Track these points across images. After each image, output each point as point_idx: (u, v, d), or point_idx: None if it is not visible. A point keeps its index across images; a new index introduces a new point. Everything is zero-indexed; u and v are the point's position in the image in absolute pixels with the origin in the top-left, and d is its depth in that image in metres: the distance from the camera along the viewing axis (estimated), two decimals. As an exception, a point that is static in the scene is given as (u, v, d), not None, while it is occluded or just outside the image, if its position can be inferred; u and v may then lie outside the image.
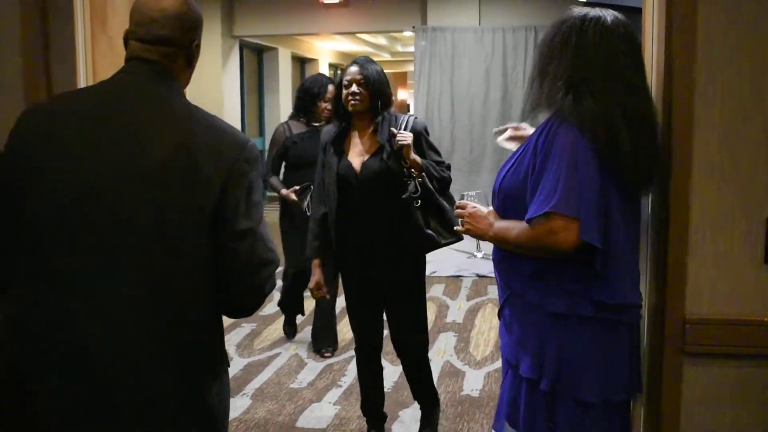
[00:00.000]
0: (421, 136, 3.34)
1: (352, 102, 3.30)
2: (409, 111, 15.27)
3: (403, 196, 3.21)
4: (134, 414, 1.59)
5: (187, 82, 1.84)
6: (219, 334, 1.76)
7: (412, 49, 11.86)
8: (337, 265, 3.51)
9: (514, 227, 2.05)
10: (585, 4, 4.07)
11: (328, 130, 3.49)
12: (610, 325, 2.07)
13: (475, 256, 2.62)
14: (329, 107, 4.50)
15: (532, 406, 2.09)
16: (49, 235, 1.61)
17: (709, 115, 2.13)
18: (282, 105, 12.87)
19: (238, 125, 11.29)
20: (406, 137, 3.20)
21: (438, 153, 3.43)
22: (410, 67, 17.48)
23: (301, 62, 14.58)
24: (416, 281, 3.48)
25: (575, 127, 1.94)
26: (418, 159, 3.22)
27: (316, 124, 4.86)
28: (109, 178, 1.60)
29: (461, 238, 3.08)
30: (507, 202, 2.11)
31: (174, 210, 1.60)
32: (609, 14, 2.09)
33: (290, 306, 5.39)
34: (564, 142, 1.94)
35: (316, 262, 3.48)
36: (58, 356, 1.58)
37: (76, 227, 1.59)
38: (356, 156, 3.35)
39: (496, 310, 2.31)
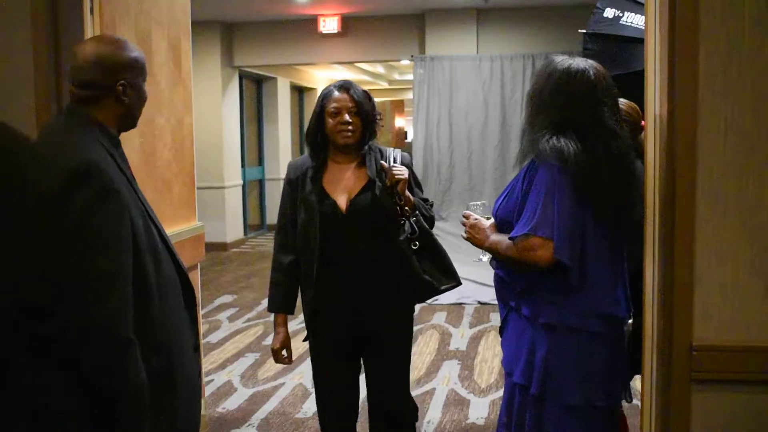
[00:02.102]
0: (408, 171, 2.95)
1: (346, 134, 2.84)
2: (406, 138, 15.32)
3: (401, 238, 2.82)
4: None
5: (124, 116, 2.02)
6: None
7: (409, 77, 11.96)
8: (311, 322, 2.96)
9: (503, 241, 2.37)
10: (585, 35, 4.14)
11: (300, 164, 2.96)
12: (592, 337, 2.30)
13: (481, 260, 2.58)
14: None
15: (523, 410, 2.34)
16: None
17: (712, 146, 2.17)
18: (281, 134, 12.94)
19: (237, 154, 11.34)
20: (402, 171, 2.83)
21: (422, 189, 3.06)
22: (408, 95, 17.60)
23: (299, 91, 14.69)
24: (406, 335, 3.01)
25: (556, 165, 2.22)
26: (411, 196, 2.87)
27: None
28: None
29: (460, 283, 2.94)
30: (502, 227, 2.43)
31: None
32: (590, 67, 2.37)
33: None
34: (544, 177, 2.25)
35: (280, 318, 3.00)
36: None
37: None
38: (340, 193, 2.88)
39: (500, 338, 2.56)
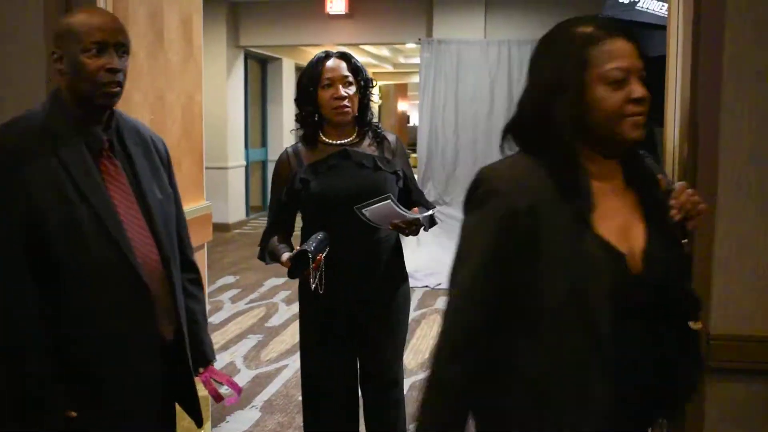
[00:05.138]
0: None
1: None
2: (408, 123, 15.26)
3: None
4: None
5: (70, 90, 1.91)
6: None
7: (414, 60, 11.90)
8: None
9: None
10: (599, 19, 4.08)
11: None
12: None
13: None
14: (339, 94, 2.68)
15: None
16: None
17: (735, 133, 2.14)
18: (285, 116, 12.87)
19: (241, 135, 11.29)
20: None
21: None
22: (412, 79, 17.50)
23: (303, 73, 14.60)
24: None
25: None
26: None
27: (342, 142, 2.77)
28: None
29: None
30: None
31: None
32: None
33: None
34: None
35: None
36: None
37: None
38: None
39: None
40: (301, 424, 4.01)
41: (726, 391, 2.20)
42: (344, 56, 2.74)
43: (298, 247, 2.53)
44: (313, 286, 2.56)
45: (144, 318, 1.94)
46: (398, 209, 2.50)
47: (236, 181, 11.17)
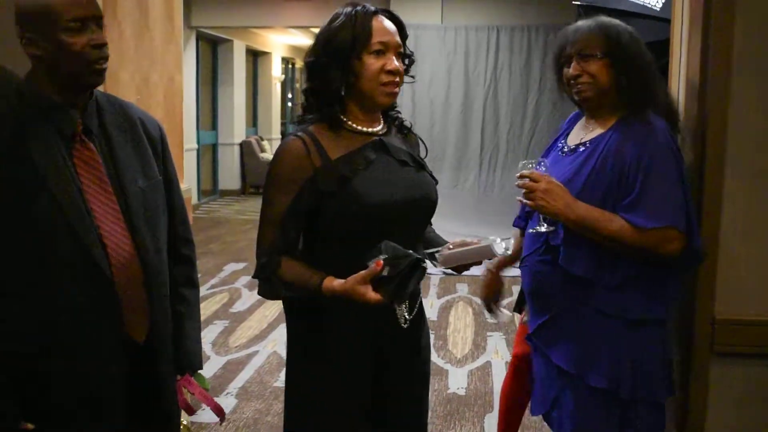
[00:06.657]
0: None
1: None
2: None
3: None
4: None
5: (49, 69, 1.74)
6: None
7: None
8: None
9: (613, 219, 1.98)
10: (579, 7, 4.11)
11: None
12: (666, 326, 2.15)
13: (537, 230, 2.08)
14: (394, 68, 1.89)
15: (605, 416, 2.07)
16: None
17: (743, 119, 2.18)
18: (236, 98, 12.69)
19: (193, 118, 11.08)
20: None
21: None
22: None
23: (254, 56, 14.41)
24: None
25: (672, 144, 2.02)
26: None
27: (373, 129, 1.97)
28: None
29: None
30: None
31: None
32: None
33: None
34: (663, 157, 1.99)
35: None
36: None
37: None
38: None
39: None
40: (279, 411, 4.00)
41: (730, 374, 2.24)
42: (394, 17, 2.00)
43: (381, 257, 1.70)
44: (407, 317, 1.88)
45: (108, 317, 1.78)
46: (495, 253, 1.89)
47: (188, 164, 10.94)
